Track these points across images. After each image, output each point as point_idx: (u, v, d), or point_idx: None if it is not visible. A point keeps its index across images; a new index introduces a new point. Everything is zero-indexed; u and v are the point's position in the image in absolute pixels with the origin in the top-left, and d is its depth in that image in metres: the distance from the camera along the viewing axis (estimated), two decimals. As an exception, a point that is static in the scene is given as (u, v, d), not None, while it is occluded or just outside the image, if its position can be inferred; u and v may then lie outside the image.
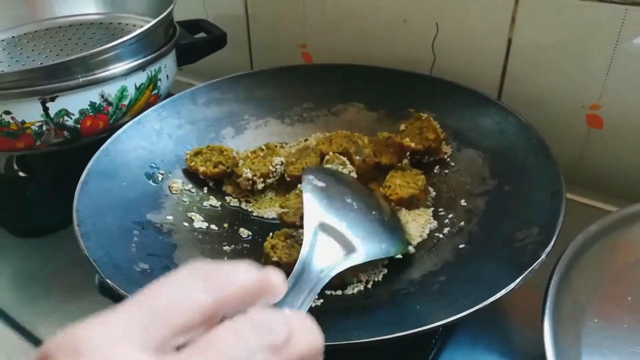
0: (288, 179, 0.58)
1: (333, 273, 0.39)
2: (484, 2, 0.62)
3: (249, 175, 0.57)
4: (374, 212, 0.47)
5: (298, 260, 0.38)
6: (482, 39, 0.64)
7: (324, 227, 0.42)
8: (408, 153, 0.59)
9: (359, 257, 0.41)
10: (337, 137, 0.61)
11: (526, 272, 0.39)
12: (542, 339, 0.37)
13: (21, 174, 0.69)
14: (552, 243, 0.41)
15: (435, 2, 0.65)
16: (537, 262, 0.39)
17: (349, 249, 0.41)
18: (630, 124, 0.59)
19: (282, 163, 0.59)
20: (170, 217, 0.53)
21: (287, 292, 0.35)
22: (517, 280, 0.38)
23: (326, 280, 0.38)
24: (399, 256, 0.46)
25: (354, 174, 0.56)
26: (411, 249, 0.47)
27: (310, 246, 0.40)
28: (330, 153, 0.58)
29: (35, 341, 0.47)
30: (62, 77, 0.56)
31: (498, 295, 0.37)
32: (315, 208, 0.44)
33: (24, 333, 0.48)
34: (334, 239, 0.42)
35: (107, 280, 0.39)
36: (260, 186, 0.57)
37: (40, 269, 0.55)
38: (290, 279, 0.37)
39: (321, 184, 0.47)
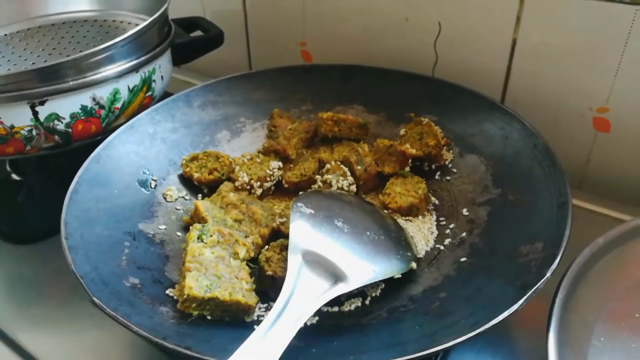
0: (286, 186, 0.57)
1: (318, 305, 0.37)
2: (488, 1, 0.60)
3: (246, 178, 0.55)
4: (368, 233, 0.45)
5: (280, 294, 0.37)
6: (485, 39, 0.62)
7: (310, 257, 0.41)
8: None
9: (347, 286, 0.39)
10: (339, 143, 0.59)
11: (530, 291, 0.37)
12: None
13: (14, 176, 0.68)
14: (557, 261, 0.39)
15: (438, 1, 0.63)
16: (542, 281, 0.38)
17: (337, 277, 0.40)
18: (639, 127, 0.57)
19: (279, 167, 0.57)
20: (163, 227, 0.51)
21: (270, 326, 0.34)
22: (521, 301, 0.37)
23: (311, 313, 0.37)
24: (398, 275, 0.44)
25: (353, 187, 0.55)
26: (413, 265, 0.46)
27: (294, 280, 0.39)
28: (332, 162, 0.56)
29: (23, 353, 0.46)
30: (52, 80, 0.55)
31: (500, 318, 0.36)
32: (300, 238, 0.42)
33: (10, 344, 0.47)
34: (321, 269, 0.40)
35: (94, 298, 0.38)
36: (258, 191, 0.55)
37: (31, 276, 0.54)
38: (273, 313, 0.36)
39: (310, 210, 0.45)
